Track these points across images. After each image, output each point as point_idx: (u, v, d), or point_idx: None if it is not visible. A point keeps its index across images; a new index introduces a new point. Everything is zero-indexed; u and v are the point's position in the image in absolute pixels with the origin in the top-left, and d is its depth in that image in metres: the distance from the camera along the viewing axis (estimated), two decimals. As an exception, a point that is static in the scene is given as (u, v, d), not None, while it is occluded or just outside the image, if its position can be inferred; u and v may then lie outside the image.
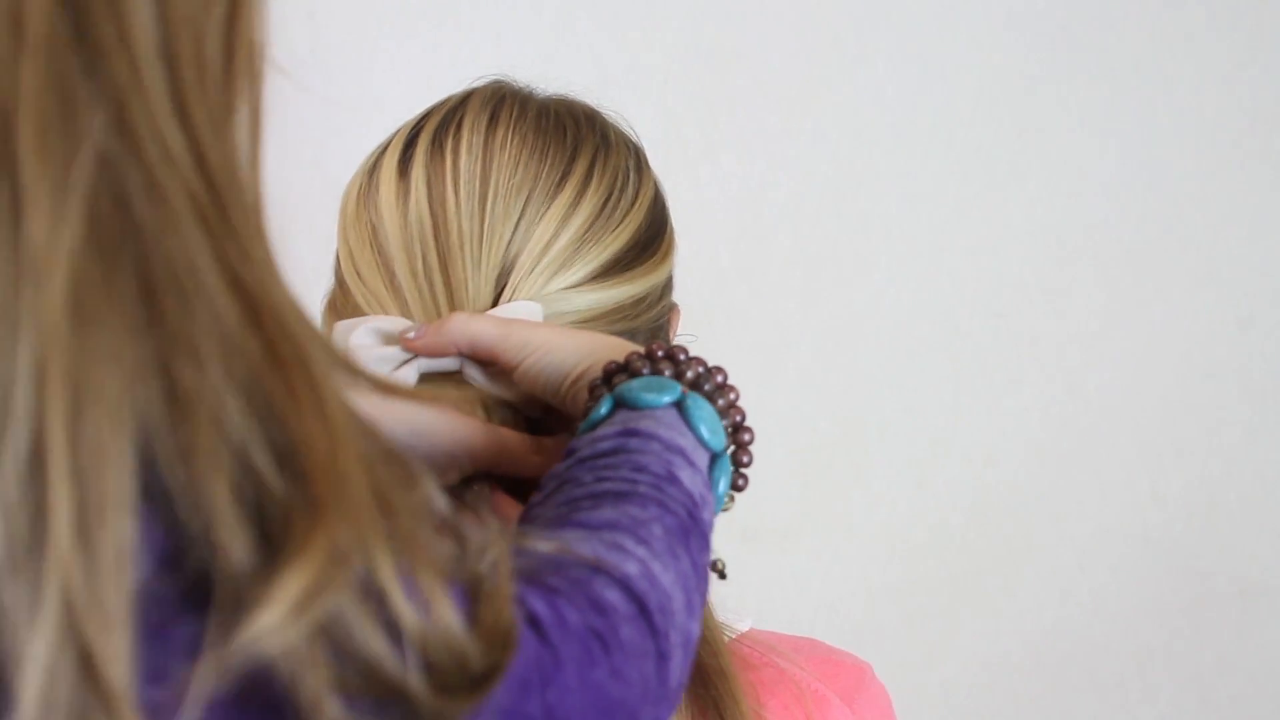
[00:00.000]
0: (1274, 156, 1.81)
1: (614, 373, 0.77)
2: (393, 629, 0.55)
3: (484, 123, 0.86)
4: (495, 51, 1.69)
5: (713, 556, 0.76)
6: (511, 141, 0.86)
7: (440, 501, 0.59)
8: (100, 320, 0.51)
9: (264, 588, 0.52)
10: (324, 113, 1.65)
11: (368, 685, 0.54)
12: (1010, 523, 1.82)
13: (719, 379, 0.78)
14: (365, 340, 0.81)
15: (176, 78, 0.54)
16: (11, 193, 0.51)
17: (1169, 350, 1.81)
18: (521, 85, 0.91)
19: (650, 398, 0.74)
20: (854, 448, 1.79)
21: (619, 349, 0.79)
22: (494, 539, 0.61)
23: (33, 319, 0.50)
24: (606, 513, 0.66)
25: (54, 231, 0.51)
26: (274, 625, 0.52)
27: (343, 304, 0.86)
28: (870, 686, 0.93)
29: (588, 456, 0.71)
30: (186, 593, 0.53)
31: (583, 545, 0.64)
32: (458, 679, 0.56)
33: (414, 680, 0.55)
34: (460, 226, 0.83)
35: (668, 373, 0.77)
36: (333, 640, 0.54)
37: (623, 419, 0.73)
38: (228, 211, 0.54)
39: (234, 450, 0.53)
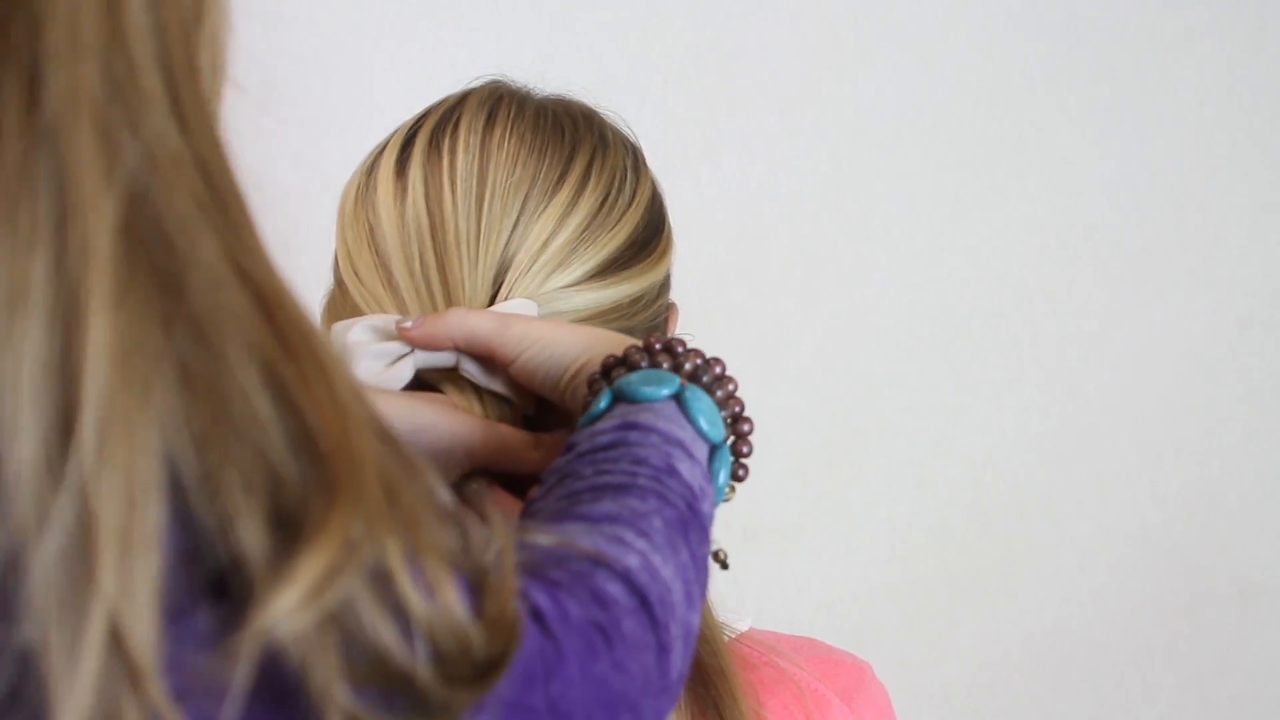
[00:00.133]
0: (1274, 156, 1.81)
1: (612, 366, 0.77)
2: (401, 617, 0.55)
3: (481, 122, 0.87)
4: (495, 51, 1.69)
5: (714, 547, 0.76)
6: (509, 141, 0.86)
7: (442, 492, 0.60)
8: (130, 309, 0.52)
9: (280, 572, 0.53)
10: (324, 113, 1.65)
11: (376, 674, 0.55)
12: (1010, 523, 1.82)
13: (717, 370, 0.78)
14: (362, 337, 0.81)
15: (172, 83, 0.55)
16: (60, 188, 0.52)
17: (1169, 350, 1.82)
18: (519, 85, 0.91)
19: (649, 391, 0.74)
20: (854, 447, 1.80)
21: (617, 343, 0.80)
22: (497, 532, 0.61)
23: (79, 306, 0.52)
24: (607, 506, 0.67)
25: (98, 222, 0.52)
26: (290, 609, 0.52)
27: (341, 304, 0.86)
28: (870, 686, 0.93)
29: (587, 450, 0.71)
30: (205, 580, 0.54)
31: (584, 538, 0.65)
32: (463, 669, 0.56)
33: (421, 669, 0.55)
34: (457, 225, 0.84)
35: (666, 365, 0.77)
36: (342, 628, 0.54)
37: (622, 412, 0.73)
38: (228, 208, 0.56)
39: (249, 436, 0.54)
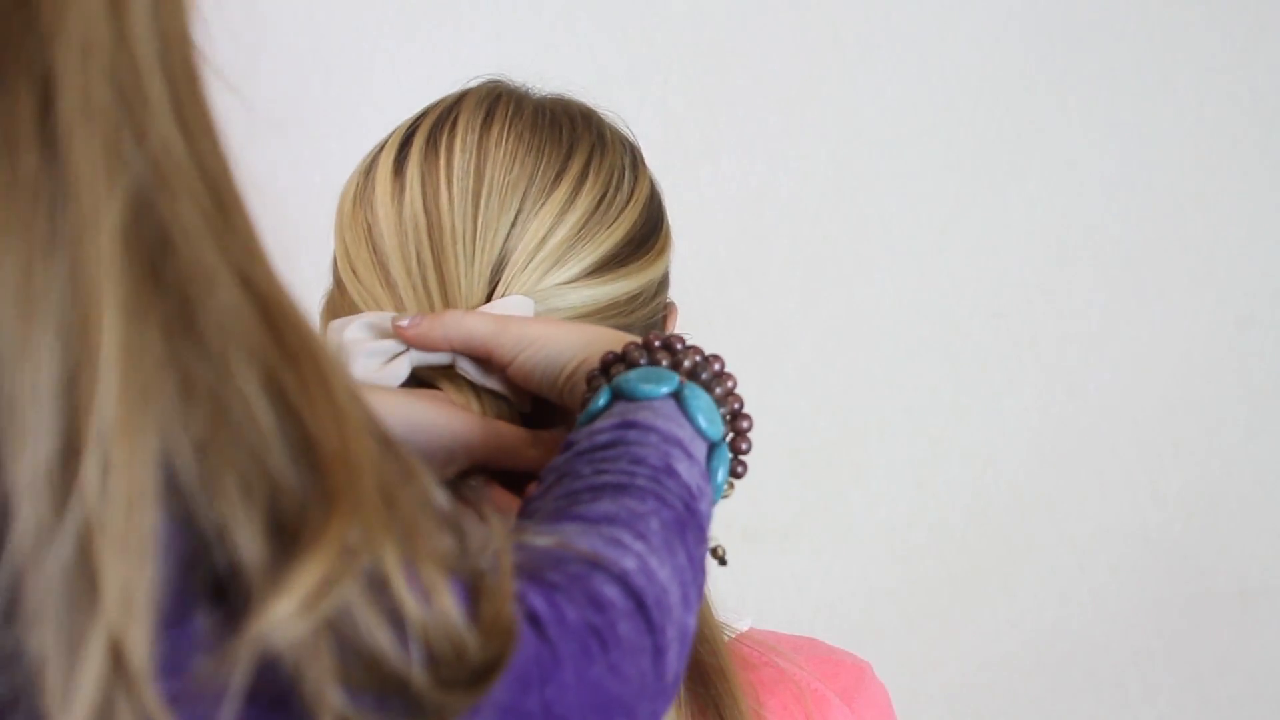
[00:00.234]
0: (1274, 156, 1.81)
1: (611, 363, 0.77)
2: (396, 622, 0.55)
3: (479, 121, 0.87)
4: (495, 51, 1.69)
5: (712, 544, 0.76)
6: (507, 139, 0.86)
7: (438, 495, 0.60)
8: (134, 317, 0.53)
9: (277, 580, 0.53)
10: (324, 113, 1.65)
11: (371, 678, 0.55)
12: (1010, 523, 1.82)
13: (716, 367, 0.78)
14: (359, 335, 0.82)
15: (175, 88, 0.55)
16: (69, 198, 0.52)
17: (1169, 350, 1.82)
18: (517, 85, 0.91)
19: (648, 388, 0.74)
20: (854, 448, 1.79)
21: (616, 340, 0.80)
22: (494, 534, 0.61)
23: (90, 317, 0.52)
24: (605, 506, 0.67)
25: (104, 231, 0.52)
26: (286, 618, 0.53)
27: (340, 303, 0.86)
28: (870, 686, 0.93)
29: (586, 449, 0.71)
30: (203, 588, 0.54)
31: (581, 540, 0.64)
32: (458, 673, 0.56)
33: (416, 673, 0.55)
34: (453, 223, 0.84)
35: (665, 362, 0.77)
36: (338, 632, 0.54)
37: (621, 410, 0.73)
38: (230, 213, 0.56)
39: (248, 442, 0.54)
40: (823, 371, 1.78)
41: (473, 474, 0.81)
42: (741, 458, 0.78)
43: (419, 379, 0.82)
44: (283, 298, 0.56)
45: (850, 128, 1.76)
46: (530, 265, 0.83)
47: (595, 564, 0.63)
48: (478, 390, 0.82)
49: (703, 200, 1.74)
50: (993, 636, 1.82)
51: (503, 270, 0.83)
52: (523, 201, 0.84)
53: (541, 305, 0.83)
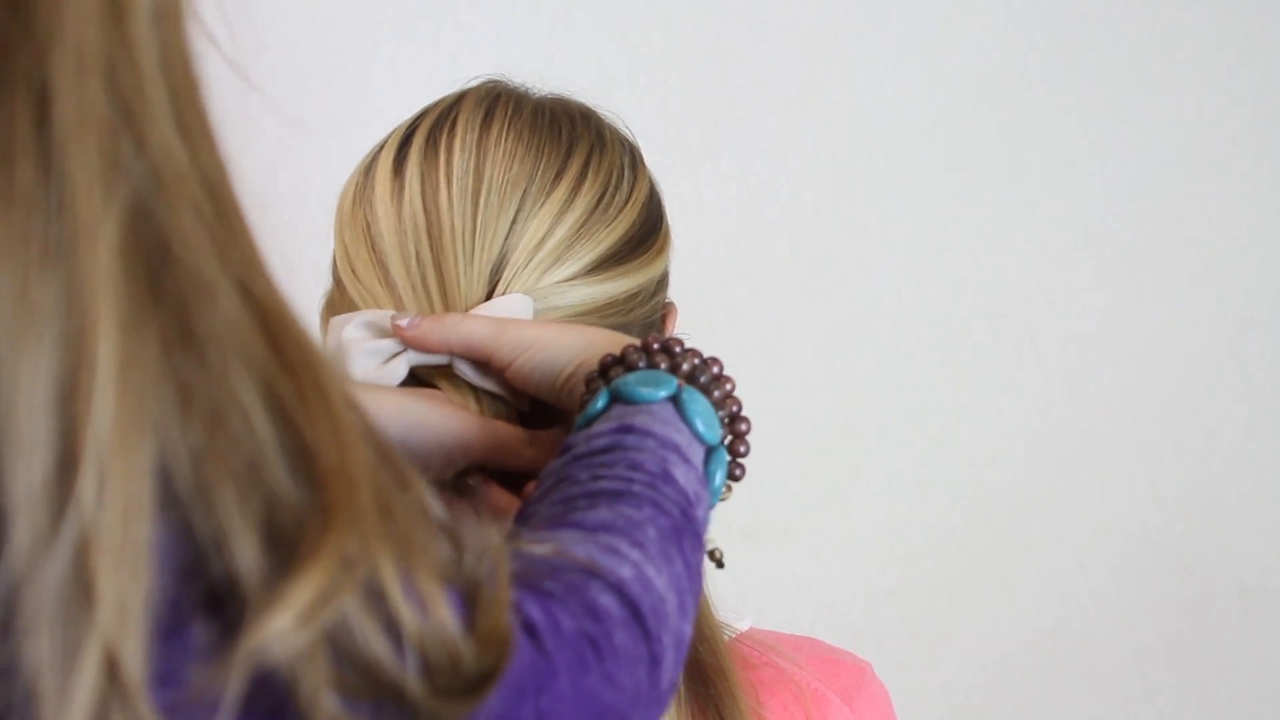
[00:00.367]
0: (1274, 156, 1.81)
1: (610, 366, 0.77)
2: (393, 631, 0.55)
3: (478, 120, 0.87)
4: (495, 51, 1.69)
5: (710, 545, 0.76)
6: (506, 138, 0.86)
7: (434, 503, 0.60)
8: (132, 327, 0.53)
9: (275, 593, 0.53)
10: (324, 113, 1.65)
11: (366, 686, 0.55)
12: (1010, 523, 1.82)
13: (714, 370, 0.78)
14: (356, 334, 0.82)
15: (176, 95, 0.55)
16: (66, 208, 0.52)
17: (1169, 350, 1.81)
18: (517, 84, 0.91)
19: (646, 393, 0.74)
20: (854, 448, 1.79)
21: (615, 342, 0.79)
22: (491, 542, 0.61)
23: (87, 328, 0.52)
24: (602, 513, 0.66)
25: (101, 241, 0.52)
26: (284, 631, 0.53)
27: (339, 303, 0.86)
28: (870, 686, 0.93)
29: (584, 454, 0.71)
30: (200, 598, 0.54)
31: (578, 548, 0.64)
32: (454, 682, 0.56)
33: (412, 682, 0.55)
34: (453, 222, 0.84)
35: (663, 365, 0.77)
36: (334, 641, 0.54)
37: (619, 414, 0.73)
38: (230, 222, 0.56)
39: (246, 453, 0.54)
40: (823, 372, 1.78)
41: (471, 473, 0.81)
42: (740, 461, 0.78)
43: (417, 378, 0.82)
44: (282, 308, 0.56)
45: (850, 128, 1.76)
46: (530, 264, 0.83)
47: (592, 573, 0.63)
48: (476, 390, 0.82)
49: (702, 200, 1.74)
50: (993, 636, 1.82)
51: (502, 269, 0.83)
52: (522, 201, 0.84)
53: (540, 303, 0.83)
